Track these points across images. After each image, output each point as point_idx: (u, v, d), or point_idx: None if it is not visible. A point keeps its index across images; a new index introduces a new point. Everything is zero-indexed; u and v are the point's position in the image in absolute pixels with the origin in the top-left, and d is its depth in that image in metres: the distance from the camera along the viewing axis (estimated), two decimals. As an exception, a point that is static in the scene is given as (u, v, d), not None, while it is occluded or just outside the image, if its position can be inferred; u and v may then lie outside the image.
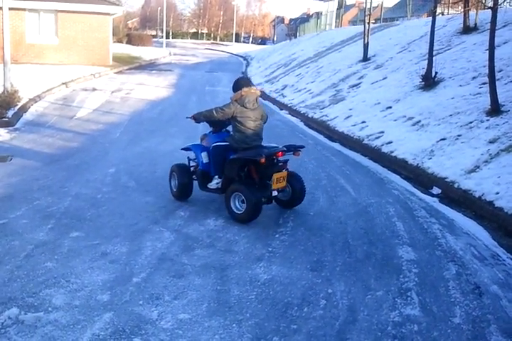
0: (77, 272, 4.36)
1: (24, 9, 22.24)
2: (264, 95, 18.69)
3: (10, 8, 12.27)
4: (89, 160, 8.26)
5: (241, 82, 6.17)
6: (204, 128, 7.48)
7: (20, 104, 11.95)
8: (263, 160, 5.59)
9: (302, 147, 6.18)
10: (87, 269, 4.42)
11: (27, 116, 11.72)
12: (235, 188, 5.80)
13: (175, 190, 6.48)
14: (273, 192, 5.85)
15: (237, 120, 6.00)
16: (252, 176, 5.92)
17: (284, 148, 5.94)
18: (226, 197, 5.87)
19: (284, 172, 5.90)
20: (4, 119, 10.62)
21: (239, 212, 5.76)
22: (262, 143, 6.17)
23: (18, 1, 19.57)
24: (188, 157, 6.69)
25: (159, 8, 70.89)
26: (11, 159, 8.04)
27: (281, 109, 15.48)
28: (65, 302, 3.87)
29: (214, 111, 6.05)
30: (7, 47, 12.19)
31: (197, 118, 6.34)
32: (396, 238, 5.51)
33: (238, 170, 5.87)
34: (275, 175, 5.77)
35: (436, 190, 7.21)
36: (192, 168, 6.58)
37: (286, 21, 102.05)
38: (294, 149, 6.05)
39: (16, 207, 5.88)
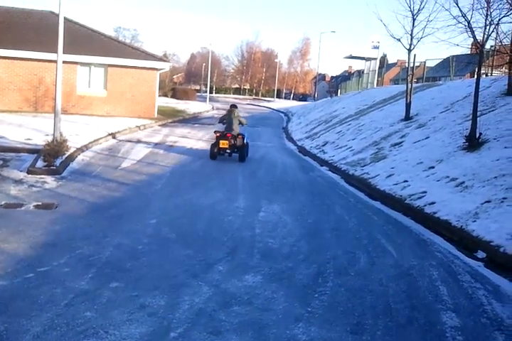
0: (115, 323, 4.35)
1: (77, 63, 23.41)
2: (304, 151, 18.87)
3: (64, 62, 12.87)
4: (131, 210, 8.38)
5: (231, 106, 15.47)
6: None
7: (68, 153, 12.32)
8: (217, 134, 14.51)
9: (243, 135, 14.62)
10: (126, 321, 4.41)
11: (74, 165, 12.05)
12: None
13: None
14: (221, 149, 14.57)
15: (224, 121, 15.15)
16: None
17: (232, 134, 14.44)
18: None
19: (226, 142, 14.25)
20: (52, 167, 10.95)
21: None
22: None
23: (71, 55, 20.62)
24: None
25: (204, 64, 73.41)
26: (56, 207, 8.23)
27: (322, 165, 15.51)
28: (103, 354, 3.85)
29: (222, 116, 15.54)
30: (58, 99, 12.70)
31: (220, 121, 15.46)
32: (439, 303, 5.33)
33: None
34: (221, 141, 14.30)
35: (481, 254, 7.00)
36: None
37: (328, 78, 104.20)
38: (237, 135, 14.53)
39: (59, 254, 5.96)
